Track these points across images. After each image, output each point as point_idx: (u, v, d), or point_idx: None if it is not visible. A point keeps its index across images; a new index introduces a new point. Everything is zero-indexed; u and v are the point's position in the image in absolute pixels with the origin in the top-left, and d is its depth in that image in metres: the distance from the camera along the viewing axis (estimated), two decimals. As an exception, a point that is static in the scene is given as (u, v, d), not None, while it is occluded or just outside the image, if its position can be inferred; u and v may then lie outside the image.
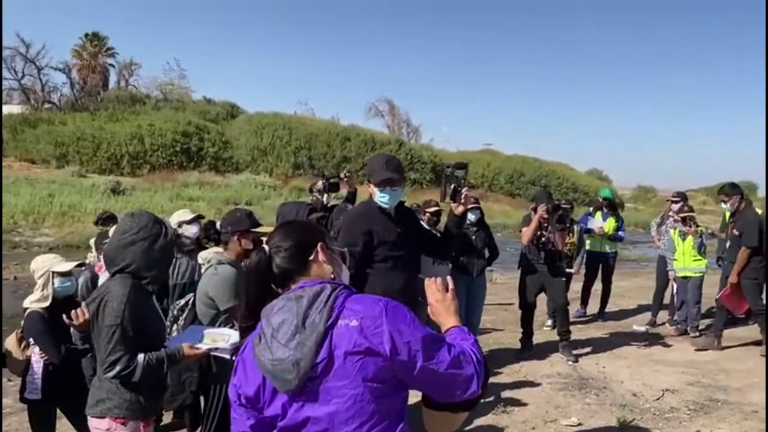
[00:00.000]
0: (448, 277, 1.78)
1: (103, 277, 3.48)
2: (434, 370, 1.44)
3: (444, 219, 3.85)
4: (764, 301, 5.99)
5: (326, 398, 1.42)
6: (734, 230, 6.09)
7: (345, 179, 4.89)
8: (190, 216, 4.40)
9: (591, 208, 8.32)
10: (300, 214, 4.23)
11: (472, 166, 26.26)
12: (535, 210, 6.06)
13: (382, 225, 3.12)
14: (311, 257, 1.61)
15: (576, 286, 7.93)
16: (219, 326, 2.98)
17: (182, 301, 3.48)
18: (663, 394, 4.99)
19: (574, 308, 7.95)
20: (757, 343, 6.38)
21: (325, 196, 4.58)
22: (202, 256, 3.48)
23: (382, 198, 3.16)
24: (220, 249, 3.36)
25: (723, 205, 6.35)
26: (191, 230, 4.29)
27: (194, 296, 3.31)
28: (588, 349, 6.35)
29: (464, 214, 3.32)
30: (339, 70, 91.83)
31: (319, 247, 1.63)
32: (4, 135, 22.22)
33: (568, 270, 7.01)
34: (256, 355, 1.47)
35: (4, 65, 28.85)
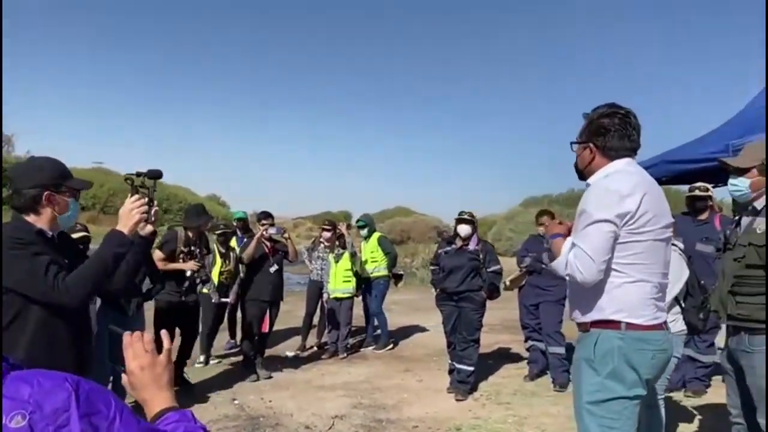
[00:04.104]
0: (164, 332, 1.22)
1: None
2: None
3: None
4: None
5: None
6: None
7: None
8: None
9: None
10: None
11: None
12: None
13: (52, 255, 2.15)
14: None
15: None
16: None
17: None
18: (333, 422, 4.93)
19: (224, 339, 7.53)
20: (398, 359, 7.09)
21: None
22: None
23: (74, 212, 2.25)
24: None
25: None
26: None
27: None
28: (248, 383, 5.98)
29: (154, 234, 2.56)
30: None
31: None
32: None
33: (223, 300, 6.61)
34: None
35: None
